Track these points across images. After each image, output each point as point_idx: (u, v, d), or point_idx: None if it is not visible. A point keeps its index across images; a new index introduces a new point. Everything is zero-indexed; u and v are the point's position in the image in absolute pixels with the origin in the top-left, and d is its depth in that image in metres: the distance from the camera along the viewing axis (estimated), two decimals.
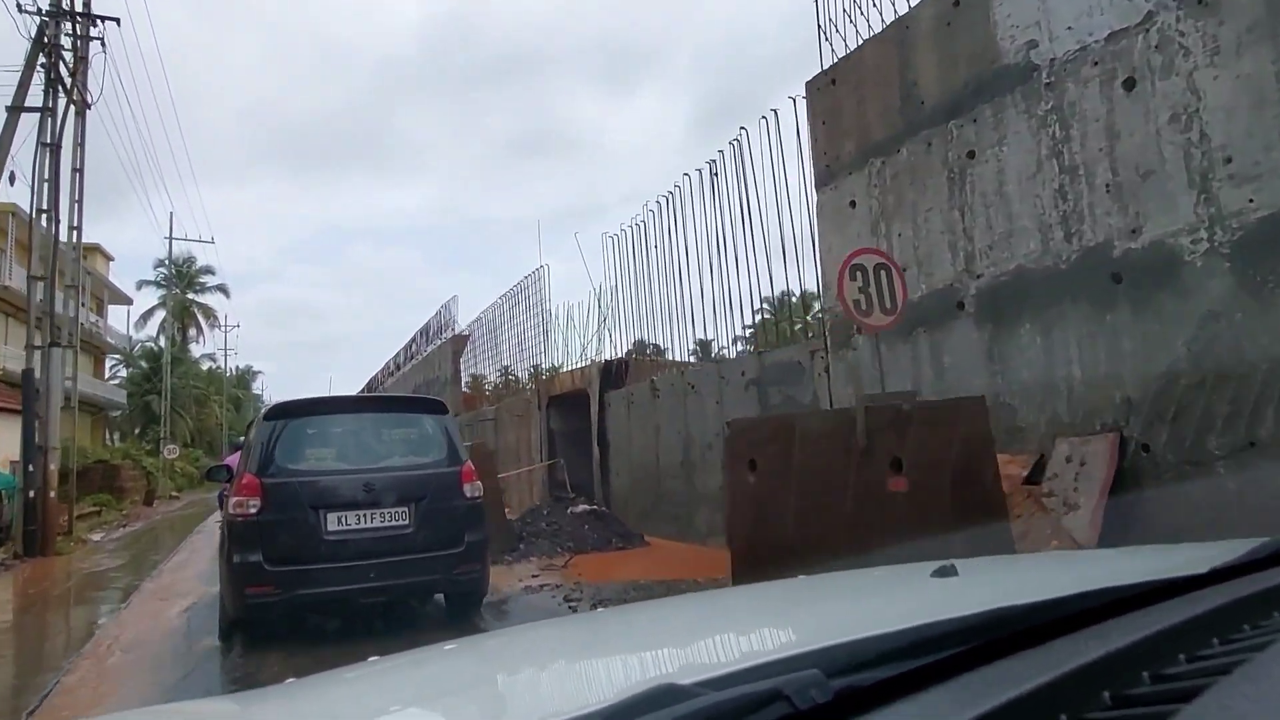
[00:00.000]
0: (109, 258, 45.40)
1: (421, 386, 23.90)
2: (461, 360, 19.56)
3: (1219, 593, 0.92)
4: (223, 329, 53.99)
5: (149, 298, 52.70)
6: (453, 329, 19.97)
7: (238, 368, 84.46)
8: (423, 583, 5.57)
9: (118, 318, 48.22)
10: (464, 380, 19.51)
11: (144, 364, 53.33)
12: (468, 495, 5.65)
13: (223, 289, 53.52)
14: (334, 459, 5.70)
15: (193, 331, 53.55)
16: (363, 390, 42.16)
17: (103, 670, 5.16)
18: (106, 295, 42.32)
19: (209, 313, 53.26)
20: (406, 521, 5.36)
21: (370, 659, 1.21)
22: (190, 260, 52.81)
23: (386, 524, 5.32)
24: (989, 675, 0.72)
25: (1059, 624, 0.83)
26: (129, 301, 46.37)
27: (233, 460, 6.89)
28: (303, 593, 5.12)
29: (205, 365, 59.81)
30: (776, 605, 1.44)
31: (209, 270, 53.16)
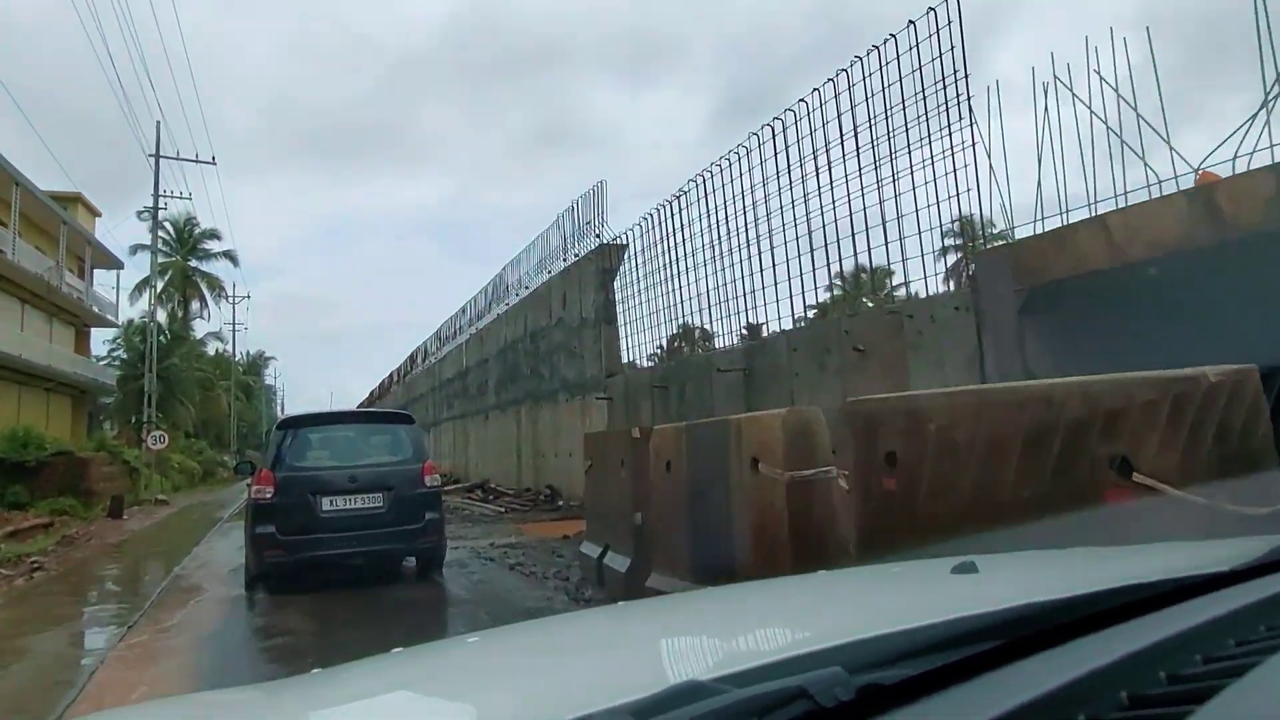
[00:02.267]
0: (95, 212, 37.64)
1: (522, 342, 15.99)
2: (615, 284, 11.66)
3: (1239, 593, 0.92)
4: (230, 301, 46.04)
5: (145, 266, 44.55)
6: (597, 236, 12.07)
7: (248, 353, 76.78)
8: (392, 549, 7.18)
9: (106, 286, 40.25)
10: (619, 316, 11.60)
11: (140, 343, 45.69)
12: (427, 485, 7.22)
13: (230, 256, 45.65)
14: (328, 458, 7.34)
15: (196, 306, 45.71)
16: (404, 365, 34.80)
17: None
18: (90, 254, 34.52)
19: (215, 284, 45.43)
20: (380, 504, 6.98)
21: (394, 650, 1.21)
22: (192, 221, 45.08)
23: (366, 506, 6.95)
24: (1010, 675, 0.72)
25: (1080, 623, 0.83)
26: (119, 266, 38.62)
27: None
28: (304, 555, 6.78)
29: (212, 347, 52.07)
30: (796, 601, 1.43)
31: (214, 234, 45.36)
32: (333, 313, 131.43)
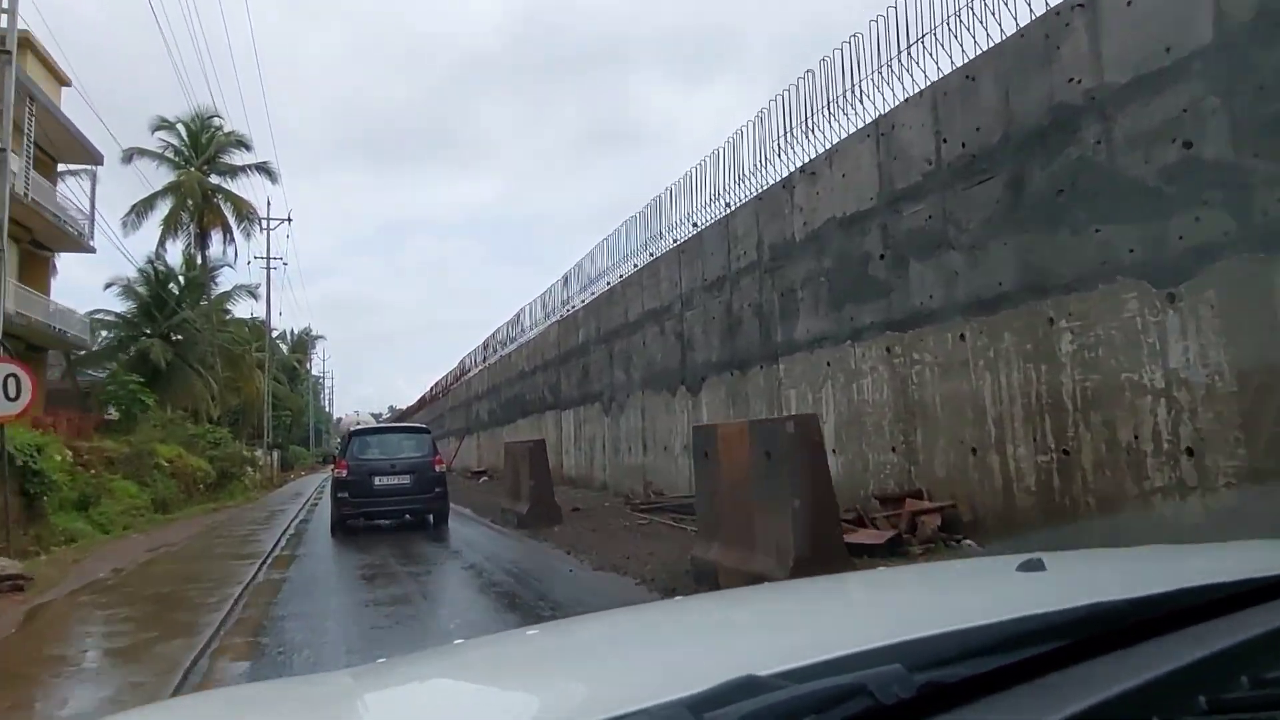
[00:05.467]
0: (61, 79, 24.61)
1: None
2: None
3: None
4: (264, 227, 32.66)
5: (145, 183, 29.66)
6: None
7: (293, 331, 63.93)
8: (416, 509, 11.38)
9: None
10: None
11: (143, 291, 32.74)
12: (436, 471, 11.47)
13: (267, 170, 32.40)
14: (378, 453, 11.45)
15: (218, 245, 32.30)
16: (499, 332, 21.51)
17: None
18: (31, 121, 21.18)
19: (243, 209, 32.09)
20: (409, 482, 11.12)
21: (455, 642, 1.39)
22: (210, 121, 31.87)
23: (400, 483, 11.08)
24: (1079, 675, 0.69)
25: (1155, 623, 0.80)
26: (95, 160, 25.43)
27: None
28: (365, 511, 11.14)
29: (245, 309, 38.94)
30: (856, 596, 1.40)
31: (242, 142, 32.15)
32: (383, 312, 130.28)
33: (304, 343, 64.71)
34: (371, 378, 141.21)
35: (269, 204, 31.30)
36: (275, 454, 48.28)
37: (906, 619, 1.02)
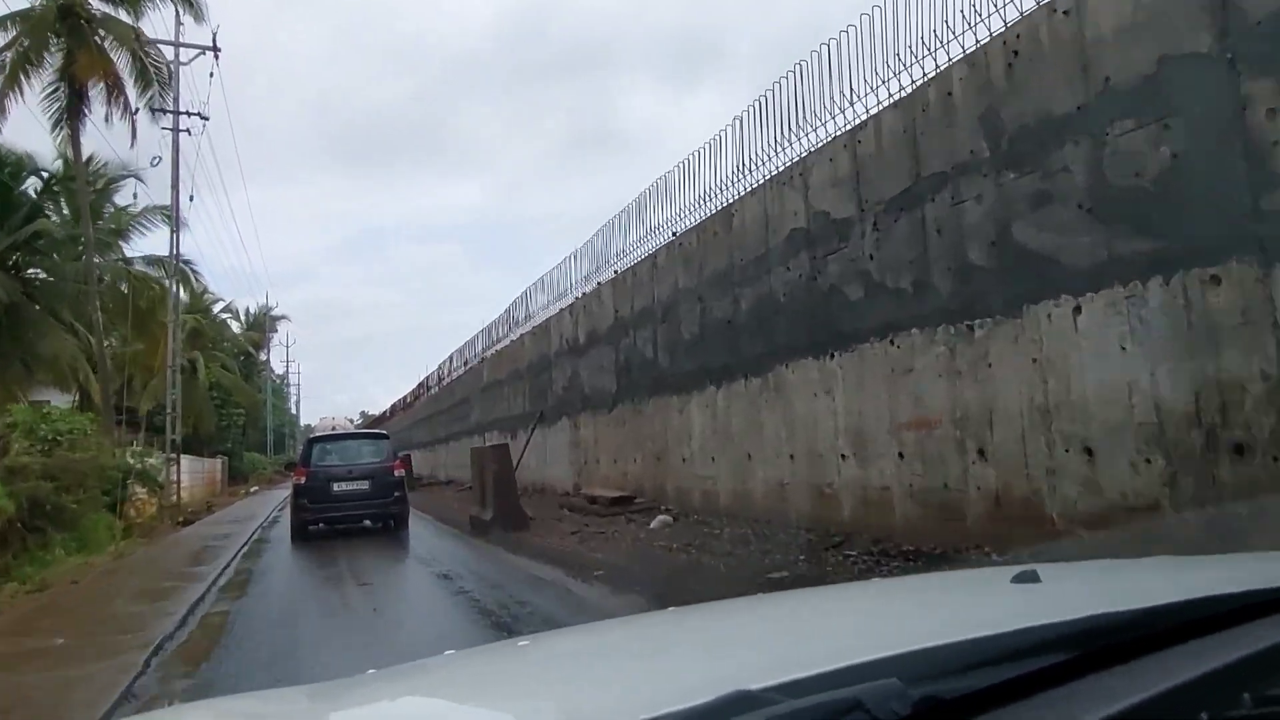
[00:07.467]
0: None
1: None
2: None
3: None
4: (171, 68, 19.33)
5: None
6: None
7: (249, 311, 50.12)
8: (376, 514, 11.78)
9: None
10: None
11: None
12: (395, 476, 11.96)
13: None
14: (337, 459, 11.95)
15: (105, 109, 18.99)
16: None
17: None
18: None
19: (132, 40, 18.88)
20: (367, 487, 11.58)
21: (446, 653, 1.23)
22: None
23: (359, 488, 11.52)
24: (1079, 690, 0.68)
25: (1155, 637, 0.78)
26: None
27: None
28: (324, 517, 11.53)
29: (161, 240, 25.40)
30: (851, 608, 1.36)
31: None
32: (362, 317, 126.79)
33: (262, 322, 50.84)
34: (348, 384, 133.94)
35: (178, 20, 17.78)
36: (221, 462, 34.80)
37: (902, 631, 0.99)
